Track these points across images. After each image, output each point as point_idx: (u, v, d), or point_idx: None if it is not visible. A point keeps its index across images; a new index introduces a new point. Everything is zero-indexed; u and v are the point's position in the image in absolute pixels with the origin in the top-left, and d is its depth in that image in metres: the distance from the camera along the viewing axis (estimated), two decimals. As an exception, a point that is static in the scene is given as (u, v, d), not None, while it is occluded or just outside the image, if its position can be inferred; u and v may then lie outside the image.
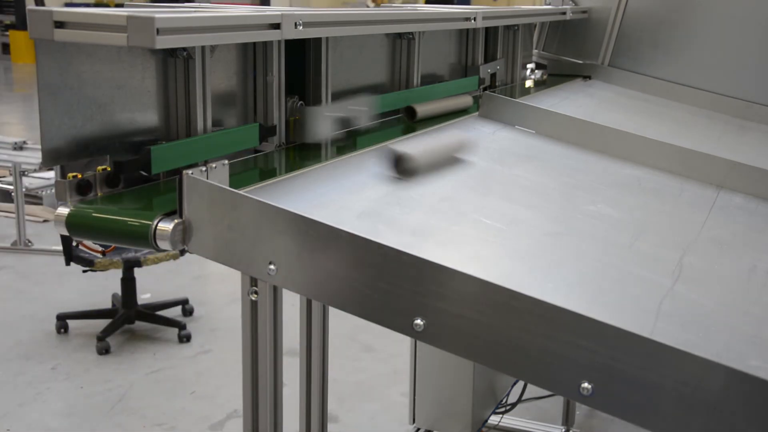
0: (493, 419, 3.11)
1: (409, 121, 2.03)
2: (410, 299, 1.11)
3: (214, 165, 1.30)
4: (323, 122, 1.68)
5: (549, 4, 3.23)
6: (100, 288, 5.19)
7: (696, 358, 0.97)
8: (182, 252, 1.25)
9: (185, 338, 4.58)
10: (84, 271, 4.42)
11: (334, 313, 1.70)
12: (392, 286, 1.11)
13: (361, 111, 1.86)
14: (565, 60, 3.25)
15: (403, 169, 1.51)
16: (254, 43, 1.60)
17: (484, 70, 2.62)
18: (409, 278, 1.10)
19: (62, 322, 4.67)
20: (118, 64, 1.35)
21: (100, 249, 4.30)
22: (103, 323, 4.54)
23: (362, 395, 4.07)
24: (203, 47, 1.41)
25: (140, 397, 3.98)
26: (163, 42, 1.20)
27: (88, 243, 4.23)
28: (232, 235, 1.19)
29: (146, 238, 1.19)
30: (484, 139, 1.99)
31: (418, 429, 2.68)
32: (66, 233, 1.24)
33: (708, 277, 1.40)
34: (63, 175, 1.26)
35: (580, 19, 3.20)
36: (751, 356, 1.12)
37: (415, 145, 1.58)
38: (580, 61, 3.22)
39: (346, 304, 1.15)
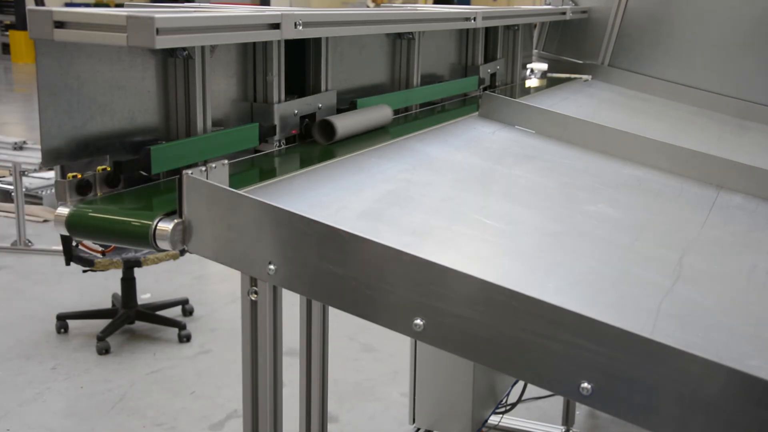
0: (493, 419, 3.11)
1: (325, 142, 1.69)
2: (410, 299, 1.11)
3: (213, 165, 1.30)
4: None
5: (549, 4, 3.23)
6: (100, 288, 5.19)
7: (696, 358, 0.97)
8: (182, 252, 1.25)
9: (185, 338, 4.58)
10: (84, 271, 4.42)
11: (334, 313, 1.70)
12: (392, 286, 1.11)
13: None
14: (565, 60, 3.25)
15: None
16: (254, 43, 1.60)
17: (484, 70, 2.62)
18: (409, 278, 1.10)
19: (62, 322, 4.67)
20: (118, 64, 1.35)
21: (100, 249, 4.30)
22: (103, 323, 4.54)
23: (362, 395, 4.07)
24: (203, 47, 1.41)
25: (140, 397, 3.98)
26: (163, 42, 1.20)
27: (88, 243, 4.23)
28: (232, 235, 1.19)
29: (146, 238, 1.19)
30: (484, 139, 1.99)
31: (418, 429, 2.68)
32: (66, 233, 1.24)
33: (708, 277, 1.40)
34: (63, 175, 1.26)
35: (580, 19, 3.20)
36: (751, 356, 1.12)
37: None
38: (580, 61, 3.22)
39: (347, 304, 1.15)
